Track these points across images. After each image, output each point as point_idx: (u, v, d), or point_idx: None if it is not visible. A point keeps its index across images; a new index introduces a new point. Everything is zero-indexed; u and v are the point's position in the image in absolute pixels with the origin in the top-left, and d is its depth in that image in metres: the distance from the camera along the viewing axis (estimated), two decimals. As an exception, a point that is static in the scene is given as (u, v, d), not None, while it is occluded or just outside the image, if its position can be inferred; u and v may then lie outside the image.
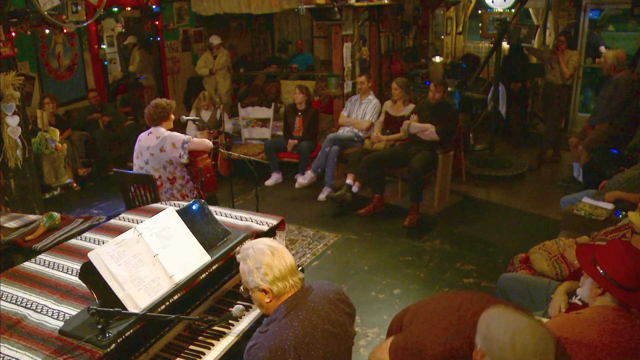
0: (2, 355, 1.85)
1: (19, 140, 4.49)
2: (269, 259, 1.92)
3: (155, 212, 2.50)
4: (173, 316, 2.08)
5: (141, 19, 8.60)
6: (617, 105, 5.59)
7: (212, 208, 2.78)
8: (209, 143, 4.22)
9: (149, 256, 2.19)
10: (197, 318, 2.18)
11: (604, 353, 1.94)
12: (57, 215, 3.61)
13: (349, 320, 2.05)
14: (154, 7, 7.81)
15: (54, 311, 2.10)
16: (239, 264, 2.03)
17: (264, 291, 1.92)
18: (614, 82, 5.60)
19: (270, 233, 2.82)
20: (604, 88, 5.89)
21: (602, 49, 7.96)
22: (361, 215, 5.44)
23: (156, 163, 4.07)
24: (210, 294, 2.47)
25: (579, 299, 2.51)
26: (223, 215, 2.90)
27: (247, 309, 2.40)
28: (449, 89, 5.97)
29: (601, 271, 2.09)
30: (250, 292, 1.99)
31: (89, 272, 2.03)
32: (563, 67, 6.51)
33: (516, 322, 1.62)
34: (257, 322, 2.37)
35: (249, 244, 2.04)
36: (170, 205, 3.14)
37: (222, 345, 2.22)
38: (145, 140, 4.12)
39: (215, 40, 7.96)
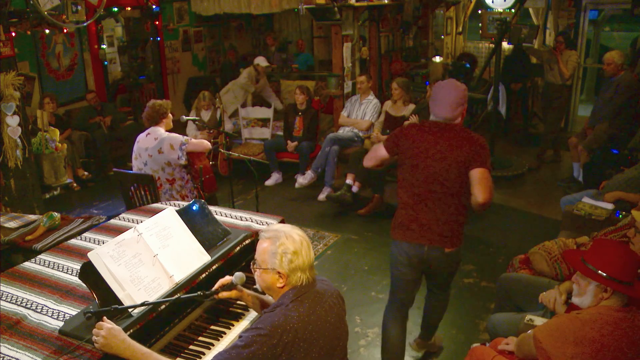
0: (2, 355, 1.85)
1: (19, 140, 4.49)
2: (299, 248, 1.95)
3: (155, 212, 2.50)
4: (174, 297, 2.08)
5: (141, 19, 8.60)
6: (618, 106, 5.58)
7: (212, 208, 2.78)
8: (207, 144, 4.21)
9: (149, 256, 2.19)
10: (198, 294, 2.12)
11: (606, 352, 1.94)
12: (57, 215, 3.61)
13: (344, 318, 2.08)
14: (154, 7, 7.82)
15: (54, 311, 2.10)
16: (256, 241, 2.04)
17: (281, 276, 1.94)
18: (615, 83, 5.59)
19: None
20: (603, 88, 5.89)
21: None
22: (361, 215, 5.45)
23: (155, 164, 4.07)
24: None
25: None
26: (223, 215, 2.90)
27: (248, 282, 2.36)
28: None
29: (605, 274, 2.08)
30: (262, 272, 1.98)
31: (89, 272, 2.03)
32: (562, 68, 6.51)
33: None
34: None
35: (279, 226, 2.04)
36: (171, 205, 3.15)
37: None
38: (144, 141, 4.11)
39: (263, 62, 7.38)
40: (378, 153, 2.90)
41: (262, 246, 1.98)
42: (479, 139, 2.69)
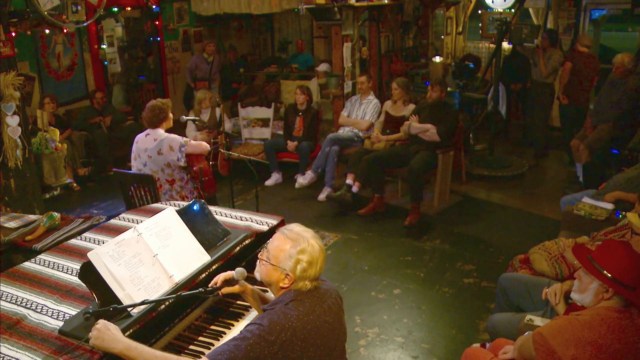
0: (2, 355, 1.85)
1: (19, 140, 4.49)
2: (316, 259, 1.95)
3: (155, 212, 2.50)
4: (174, 295, 2.08)
5: (141, 19, 8.60)
6: (624, 110, 5.56)
7: (212, 208, 2.78)
8: (206, 146, 4.19)
9: (149, 256, 2.19)
10: (199, 291, 2.11)
11: (606, 354, 1.94)
12: (57, 215, 3.60)
13: (343, 319, 2.09)
14: (154, 7, 7.82)
15: (54, 311, 2.10)
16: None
17: (288, 279, 1.94)
18: (623, 87, 5.56)
19: (270, 233, 2.81)
20: (608, 89, 5.84)
21: None
22: (361, 215, 5.44)
23: (154, 165, 4.06)
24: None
25: (579, 300, 2.51)
26: (223, 215, 2.90)
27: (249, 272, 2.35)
28: (448, 88, 5.96)
29: (609, 275, 2.07)
30: (270, 267, 1.97)
31: (89, 272, 2.03)
32: (541, 66, 6.54)
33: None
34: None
35: (302, 230, 2.02)
36: (171, 205, 3.14)
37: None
38: (143, 142, 4.10)
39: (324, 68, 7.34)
40: (565, 68, 6.18)
41: (282, 245, 1.96)
42: None
